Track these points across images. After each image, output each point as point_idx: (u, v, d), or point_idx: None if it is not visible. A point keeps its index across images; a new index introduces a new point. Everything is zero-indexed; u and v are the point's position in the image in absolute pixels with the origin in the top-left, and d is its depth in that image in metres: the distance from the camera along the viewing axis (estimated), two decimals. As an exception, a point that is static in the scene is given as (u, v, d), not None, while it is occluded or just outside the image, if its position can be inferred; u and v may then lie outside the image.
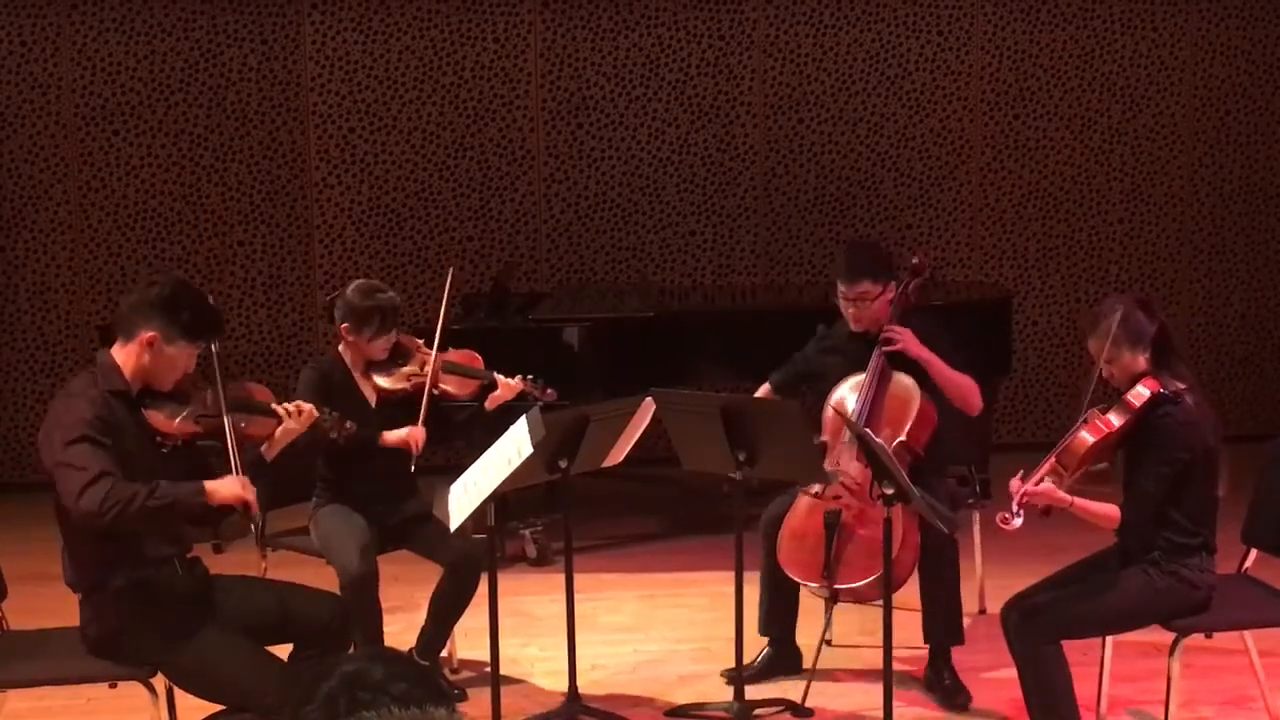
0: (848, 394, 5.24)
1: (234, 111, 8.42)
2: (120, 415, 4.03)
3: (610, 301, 7.76)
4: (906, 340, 5.19)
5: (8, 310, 8.41)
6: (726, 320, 7.35)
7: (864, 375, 5.20)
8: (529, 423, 4.39)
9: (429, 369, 5.25)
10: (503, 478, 4.41)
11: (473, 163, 8.60)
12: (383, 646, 4.96)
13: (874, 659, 4.93)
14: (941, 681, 5.17)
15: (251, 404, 4.30)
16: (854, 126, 8.79)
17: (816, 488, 5.10)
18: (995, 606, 4.85)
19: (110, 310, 8.19)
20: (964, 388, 5.26)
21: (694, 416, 4.82)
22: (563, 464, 4.71)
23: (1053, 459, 4.33)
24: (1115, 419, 4.31)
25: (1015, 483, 4.29)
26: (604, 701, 5.19)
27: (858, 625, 5.72)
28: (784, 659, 5.38)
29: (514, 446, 4.41)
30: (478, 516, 4.54)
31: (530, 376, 5.39)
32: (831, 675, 5.36)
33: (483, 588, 4.85)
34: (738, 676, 4.93)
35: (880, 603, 4.64)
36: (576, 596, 5.03)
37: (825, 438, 5.22)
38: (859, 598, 5.12)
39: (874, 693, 4.82)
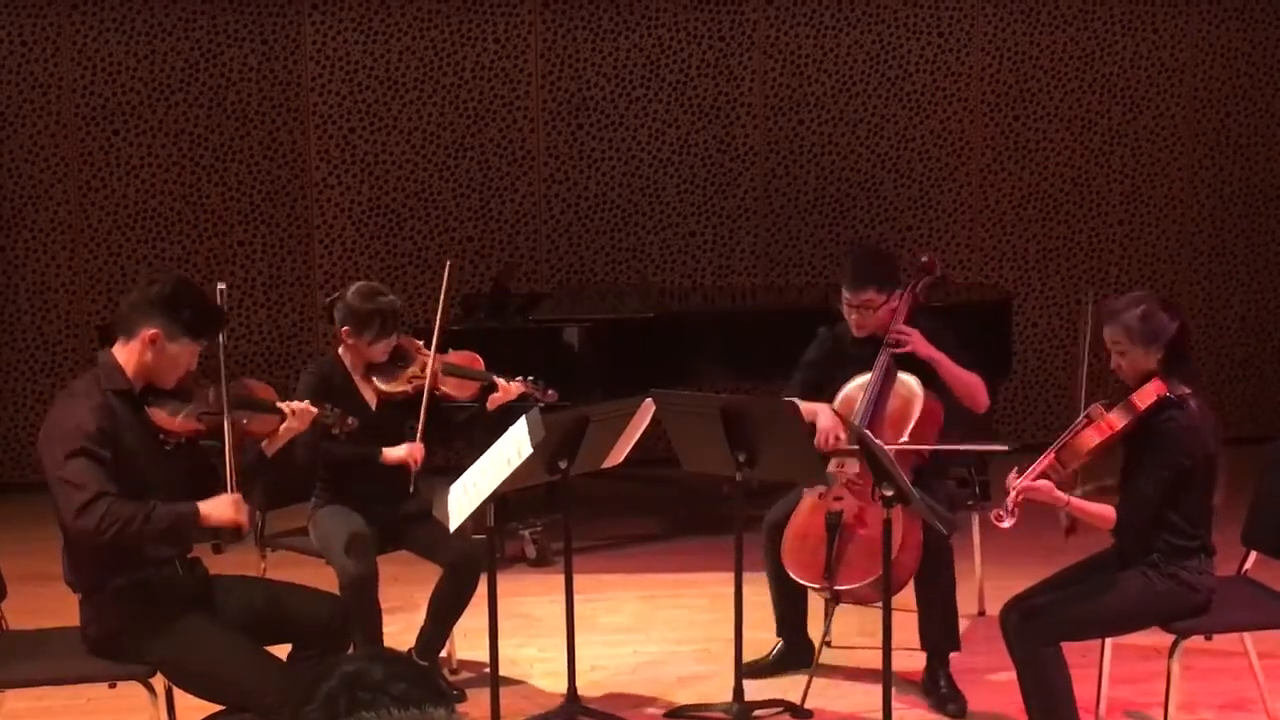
0: (853, 394, 5.24)
1: (234, 111, 8.42)
2: (123, 415, 4.03)
3: (610, 302, 7.76)
4: (915, 341, 5.19)
5: (7, 310, 8.41)
6: (726, 321, 7.35)
7: (869, 376, 5.20)
8: (529, 423, 4.39)
9: (429, 371, 5.25)
10: (502, 478, 4.41)
11: (473, 163, 8.61)
12: (382, 647, 4.96)
13: (873, 660, 4.93)
14: (937, 688, 5.16)
15: (253, 401, 4.31)
16: (854, 128, 8.79)
17: (820, 488, 5.10)
18: (994, 608, 4.85)
19: (110, 310, 8.19)
20: (972, 385, 5.27)
21: (694, 417, 4.82)
22: (562, 464, 4.71)
23: (1052, 455, 4.32)
24: (1118, 420, 4.30)
25: (1012, 478, 4.29)
26: (604, 702, 5.19)
27: (857, 626, 5.72)
28: (796, 653, 5.39)
29: (514, 447, 4.41)
30: (477, 517, 4.55)
31: (531, 378, 5.39)
32: (831, 676, 5.36)
33: (482, 588, 4.85)
34: (738, 676, 4.93)
35: (880, 604, 4.64)
36: (576, 597, 5.03)
37: (820, 443, 5.21)
38: (860, 599, 5.12)
39: (873, 694, 4.82)
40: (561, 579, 5.04)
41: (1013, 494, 4.25)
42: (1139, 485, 4.32)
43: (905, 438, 5.12)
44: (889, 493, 4.41)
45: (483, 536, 4.78)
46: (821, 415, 5.18)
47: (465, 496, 4.56)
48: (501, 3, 8.51)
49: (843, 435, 5.11)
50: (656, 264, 8.76)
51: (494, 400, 5.31)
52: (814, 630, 5.42)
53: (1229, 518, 4.57)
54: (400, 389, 5.25)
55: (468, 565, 5.08)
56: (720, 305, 7.85)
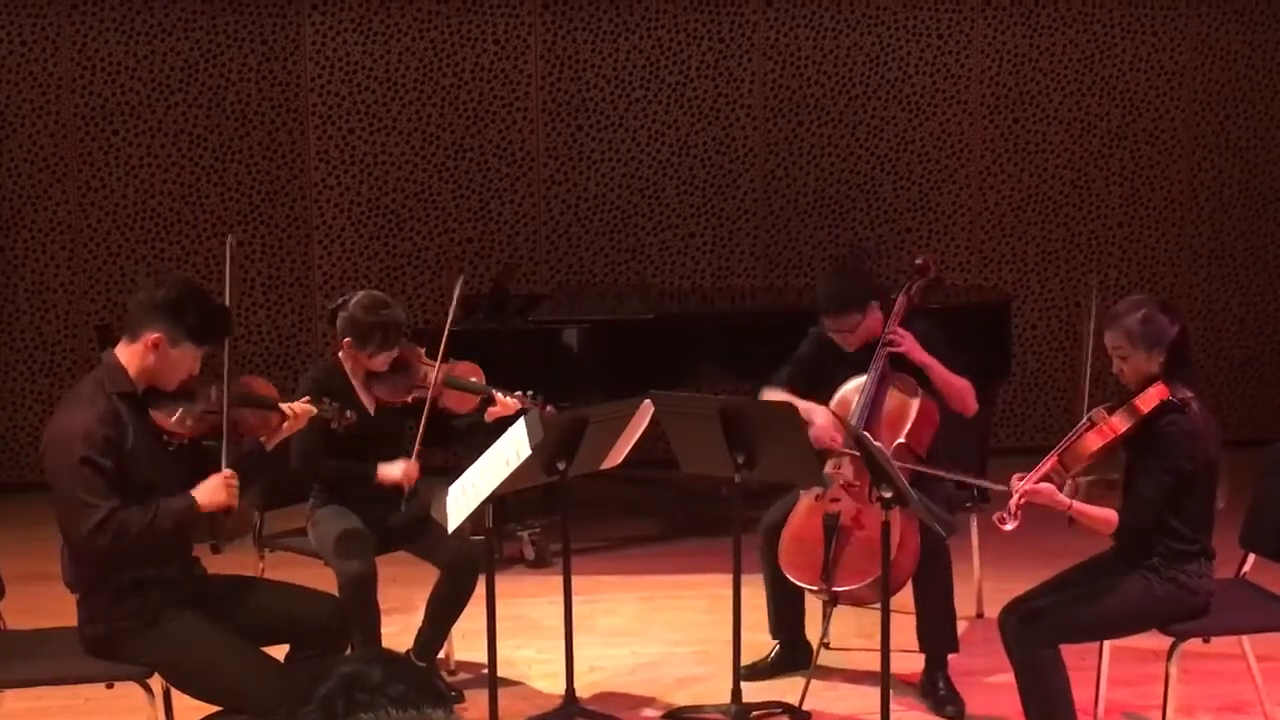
0: (849, 396, 5.25)
1: (234, 112, 8.42)
2: (127, 417, 4.04)
3: (609, 303, 7.76)
4: (908, 344, 5.19)
5: (7, 310, 8.41)
6: (726, 322, 7.34)
7: (865, 377, 5.21)
8: (527, 425, 4.39)
9: (430, 381, 5.23)
10: (501, 479, 4.41)
11: (472, 164, 8.61)
12: (380, 648, 4.96)
13: (871, 662, 4.93)
14: (936, 689, 5.17)
15: (254, 398, 4.34)
16: (854, 130, 8.79)
17: (817, 490, 5.10)
18: (993, 611, 4.85)
19: (109, 310, 8.20)
20: (961, 391, 5.29)
21: (693, 419, 4.82)
22: (561, 466, 4.71)
23: (1055, 459, 4.32)
24: (1120, 423, 4.30)
25: (1015, 480, 4.29)
26: (602, 703, 5.19)
27: (855, 628, 5.72)
28: (794, 656, 5.39)
29: (512, 448, 4.41)
30: (476, 518, 4.55)
31: (530, 393, 5.36)
32: (829, 677, 5.37)
33: (480, 589, 4.85)
34: (737, 677, 4.93)
35: (878, 605, 4.64)
36: (574, 598, 5.02)
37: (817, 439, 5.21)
38: (857, 600, 5.13)
39: (871, 695, 4.82)
40: (560, 580, 5.04)
41: (1015, 497, 4.25)
42: (1140, 489, 4.32)
43: (902, 439, 5.12)
44: (887, 494, 4.41)
45: (481, 537, 4.79)
46: (817, 415, 5.18)
47: (464, 497, 4.56)
48: (501, 4, 8.51)
49: (838, 437, 5.12)
50: (656, 265, 8.76)
51: (493, 414, 5.29)
52: (811, 632, 5.42)
53: (1227, 521, 4.57)
54: (400, 400, 5.24)
55: (466, 566, 5.08)
56: (719, 307, 7.85)
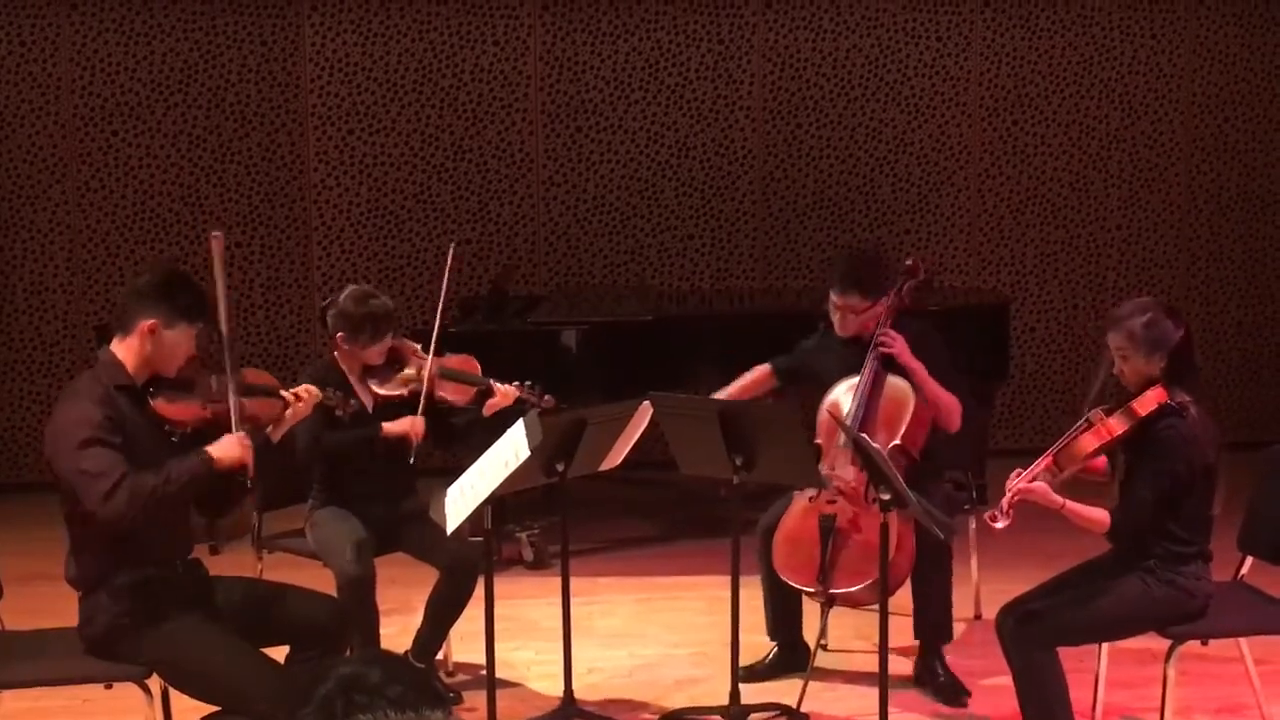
0: (842, 397, 5.25)
1: (233, 113, 8.42)
2: (127, 410, 4.04)
3: (608, 304, 7.76)
4: (899, 347, 5.19)
5: (5, 310, 8.41)
6: (724, 324, 7.34)
7: (858, 378, 5.21)
8: (526, 426, 4.39)
9: (425, 374, 5.25)
10: (500, 480, 4.41)
11: (471, 165, 8.61)
12: (379, 649, 4.97)
13: (869, 663, 4.93)
14: (936, 678, 5.19)
15: (256, 387, 4.34)
16: (852, 132, 8.80)
17: (811, 491, 5.11)
18: (991, 612, 4.85)
19: (108, 311, 8.19)
20: (946, 406, 5.24)
21: (691, 420, 4.82)
22: (560, 467, 4.71)
23: (1049, 458, 4.33)
24: (1117, 425, 4.30)
25: (1011, 479, 4.30)
26: (600, 705, 5.19)
27: (853, 629, 5.72)
28: (792, 657, 5.40)
29: (511, 449, 4.41)
30: (474, 519, 4.55)
31: (528, 383, 5.38)
32: (827, 679, 5.37)
33: (479, 591, 4.85)
34: (735, 679, 4.93)
35: (875, 606, 4.64)
36: (573, 600, 5.02)
37: (819, 441, 5.23)
38: (854, 602, 5.13)
39: (870, 696, 4.83)
40: (558, 582, 5.04)
41: (1008, 495, 4.26)
42: (1136, 491, 4.33)
43: (898, 440, 5.13)
44: (886, 496, 4.42)
45: (480, 539, 4.78)
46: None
47: (463, 499, 4.56)
48: (500, 5, 8.52)
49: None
50: (655, 266, 8.77)
51: (491, 406, 5.31)
52: (810, 633, 5.42)
53: (1225, 523, 4.57)
54: (396, 393, 5.25)
55: (465, 567, 5.08)
56: (718, 308, 7.85)
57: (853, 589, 4.93)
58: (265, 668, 4.08)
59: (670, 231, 8.75)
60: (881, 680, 4.56)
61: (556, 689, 5.14)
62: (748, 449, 4.67)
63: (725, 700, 4.95)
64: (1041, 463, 4.31)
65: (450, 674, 5.46)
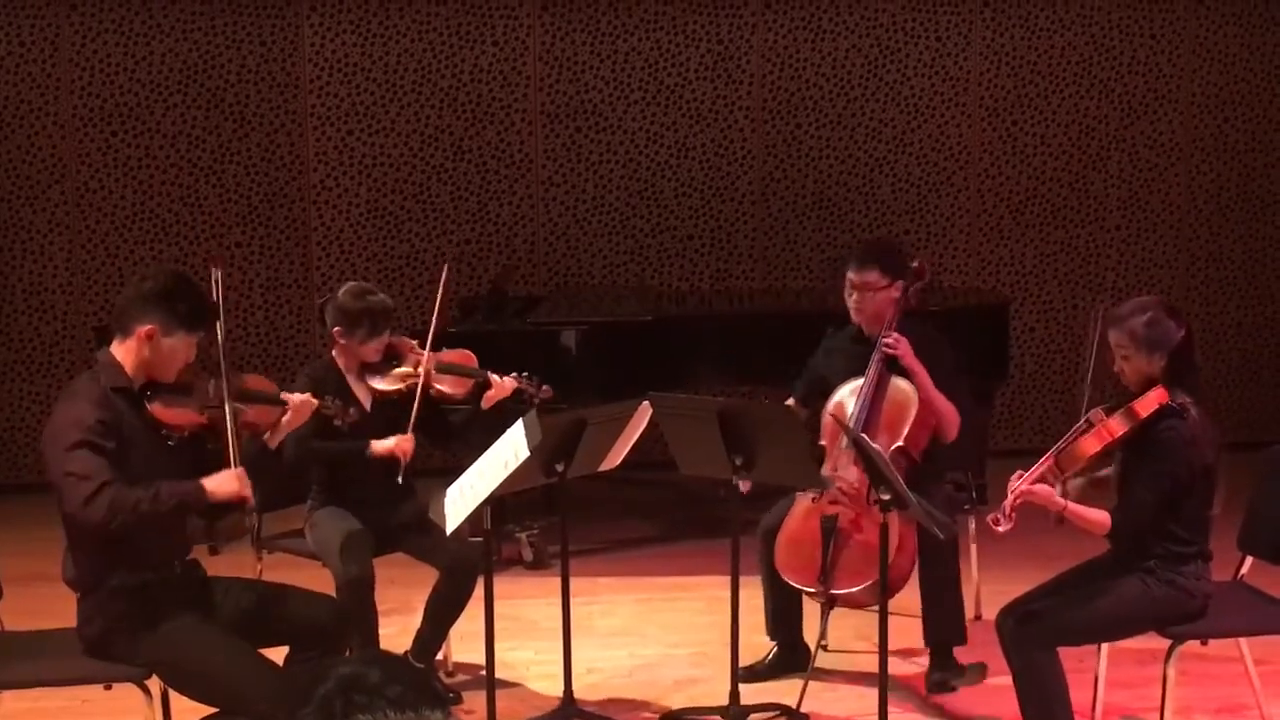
0: (846, 398, 5.25)
1: (232, 113, 8.42)
2: (124, 412, 4.04)
3: (608, 305, 7.76)
4: (904, 349, 5.18)
5: (4, 311, 8.41)
6: (724, 324, 7.34)
7: (862, 380, 5.21)
8: (526, 426, 4.39)
9: (423, 369, 5.25)
10: (499, 481, 4.41)
11: (471, 165, 8.61)
12: (378, 650, 4.97)
13: (870, 664, 4.93)
14: (948, 687, 5.19)
15: (254, 393, 4.33)
16: (852, 132, 8.80)
17: (813, 492, 5.11)
18: (991, 613, 4.85)
19: (108, 312, 8.17)
20: (944, 414, 5.23)
21: (691, 420, 4.82)
22: (559, 467, 4.71)
23: (1051, 460, 4.32)
24: (1118, 426, 4.30)
25: (1013, 481, 4.30)
26: (600, 705, 5.19)
27: (853, 630, 5.72)
28: (792, 657, 5.40)
29: (511, 450, 4.41)
30: (474, 519, 4.54)
31: (525, 374, 5.37)
32: (827, 679, 5.37)
33: (479, 591, 4.85)
34: (735, 679, 4.93)
35: (876, 607, 4.64)
36: (572, 600, 5.02)
37: (823, 443, 5.23)
38: (855, 603, 5.13)
39: (869, 697, 4.83)
40: (558, 582, 5.04)
41: (1010, 498, 4.25)
42: (1135, 492, 4.32)
43: (900, 442, 5.12)
44: (886, 497, 4.42)
45: (479, 539, 4.78)
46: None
47: (462, 499, 4.56)
48: (500, 5, 8.52)
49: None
50: (654, 267, 8.77)
51: (489, 398, 5.30)
52: (809, 633, 5.42)
53: (1226, 523, 4.57)
54: (395, 388, 5.25)
55: (464, 568, 5.08)
56: (718, 308, 7.85)
57: (854, 590, 4.92)
58: (264, 668, 4.08)
59: (670, 232, 8.75)
60: (881, 681, 4.56)
61: (556, 689, 5.14)
62: (747, 449, 4.67)
63: (725, 700, 4.95)
64: (1042, 464, 4.31)
65: (450, 674, 5.46)
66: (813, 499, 5.12)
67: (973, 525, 5.84)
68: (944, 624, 5.22)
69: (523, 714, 5.08)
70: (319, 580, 4.88)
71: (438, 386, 5.31)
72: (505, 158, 8.62)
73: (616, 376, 6.66)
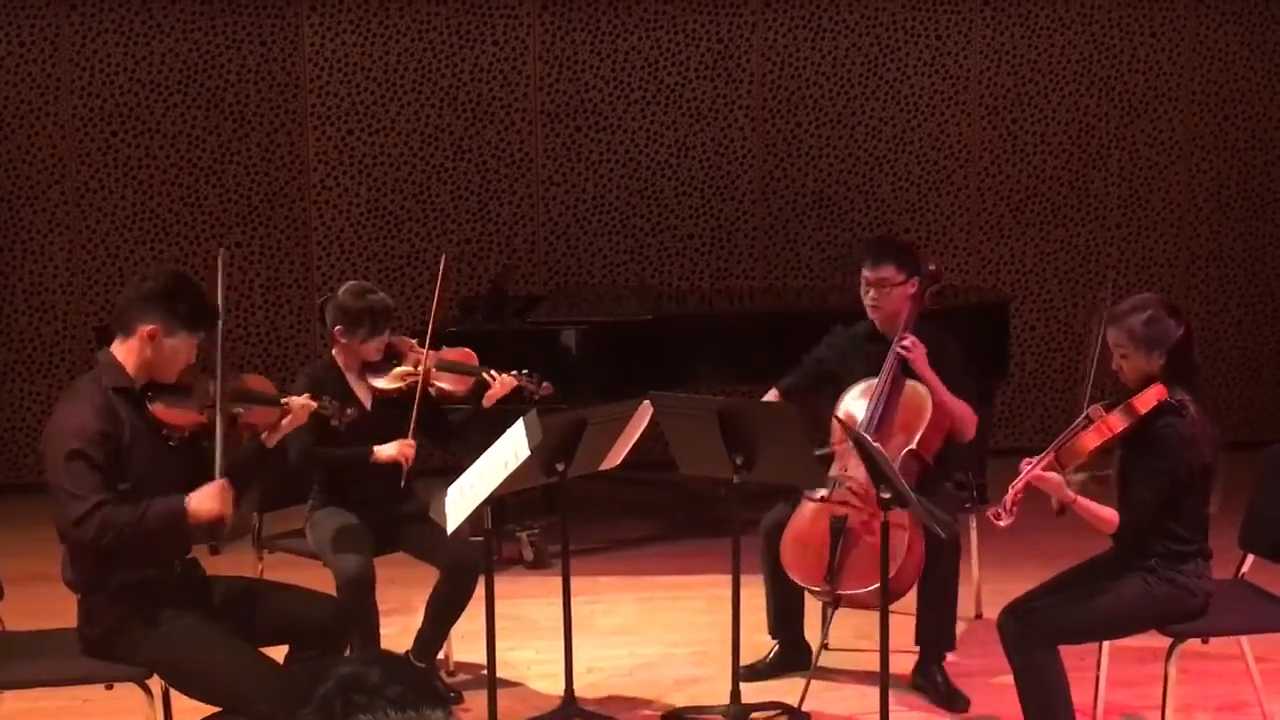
0: (857, 399, 5.25)
1: (232, 113, 8.42)
2: (124, 413, 4.04)
3: (608, 304, 7.76)
4: (918, 354, 5.17)
5: (5, 311, 8.41)
6: (724, 323, 7.34)
7: (876, 380, 5.20)
8: (526, 426, 4.39)
9: (423, 368, 5.25)
10: (500, 480, 4.41)
11: (471, 165, 8.61)
12: (379, 649, 4.96)
13: (871, 663, 4.92)
14: (936, 685, 5.18)
15: (253, 394, 4.33)
16: (852, 131, 8.80)
17: (823, 492, 5.11)
18: (992, 612, 4.85)
19: (108, 311, 8.17)
20: (960, 416, 5.24)
21: (691, 420, 4.82)
22: (560, 467, 4.71)
23: (1051, 455, 4.32)
24: (1118, 422, 4.30)
25: (1020, 474, 4.29)
26: (601, 704, 5.19)
27: (854, 629, 5.71)
28: (794, 656, 5.40)
29: (511, 449, 4.41)
30: (475, 519, 4.54)
31: (525, 371, 5.37)
32: (828, 678, 5.36)
33: (479, 590, 4.85)
34: (736, 678, 4.93)
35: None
36: (573, 599, 5.02)
37: (833, 442, 5.21)
38: (861, 604, 5.11)
39: (870, 696, 4.83)
40: (559, 581, 5.04)
41: (1012, 492, 4.25)
42: (1136, 491, 4.32)
43: (914, 445, 5.12)
44: (886, 495, 4.42)
45: (480, 539, 4.78)
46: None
47: (463, 498, 4.56)
48: (500, 5, 8.52)
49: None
50: (654, 266, 8.76)
51: (490, 396, 5.30)
52: (811, 632, 5.42)
53: (1226, 522, 4.57)
54: (394, 386, 5.25)
55: (465, 567, 5.08)
56: (718, 307, 7.85)
57: (860, 591, 4.91)
58: (265, 667, 4.08)
59: (670, 231, 8.75)
60: (882, 680, 4.56)
61: (557, 688, 5.14)
62: (747, 448, 4.67)
63: (726, 699, 4.95)
64: (1043, 459, 4.31)
65: (451, 674, 5.46)
66: (821, 498, 5.12)
67: (974, 524, 5.83)
68: (937, 628, 5.22)
69: (524, 713, 5.08)
70: (319, 580, 4.88)
71: (438, 384, 5.31)
72: (505, 157, 8.62)
73: (617, 376, 6.66)
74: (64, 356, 8.43)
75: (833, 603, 5.09)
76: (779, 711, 5.06)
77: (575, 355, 6.71)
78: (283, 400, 4.37)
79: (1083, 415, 4.34)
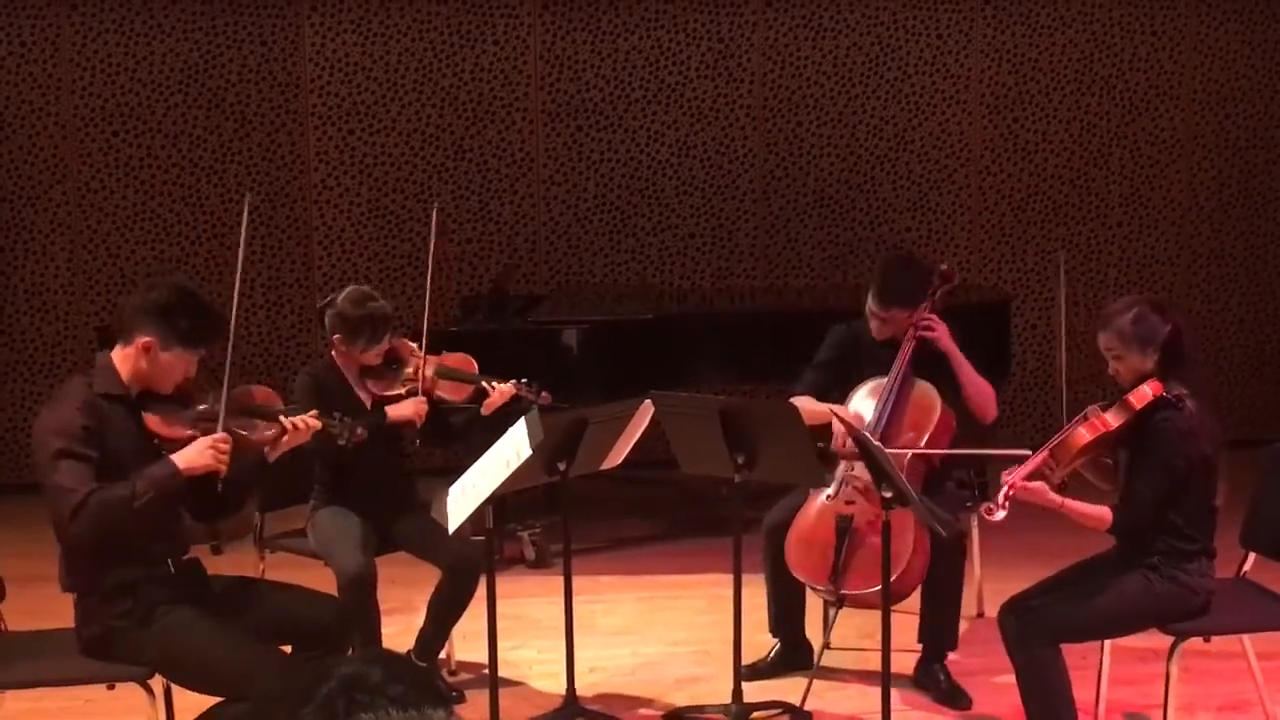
0: (864, 399, 5.25)
1: (233, 113, 8.42)
2: (114, 419, 4.01)
3: (609, 304, 7.76)
4: (941, 331, 5.22)
5: (6, 311, 8.41)
6: (725, 323, 7.34)
7: (883, 380, 5.21)
8: (528, 425, 4.39)
9: (422, 374, 5.27)
10: (501, 480, 4.41)
11: (472, 165, 8.61)
12: (380, 649, 4.96)
13: (873, 662, 4.93)
14: (938, 684, 5.19)
15: (255, 409, 4.26)
16: (853, 130, 8.79)
17: (829, 491, 5.11)
18: (993, 610, 4.84)
19: (109, 312, 8.19)
20: (985, 392, 5.33)
21: (692, 419, 4.82)
22: (561, 466, 4.71)
23: (1046, 453, 4.32)
24: (1114, 419, 4.30)
25: (1006, 475, 4.29)
26: (602, 703, 5.19)
27: (856, 628, 5.71)
28: (795, 655, 5.40)
29: (513, 449, 4.41)
30: (476, 518, 4.55)
31: (524, 380, 5.39)
32: (830, 677, 5.36)
33: (481, 590, 4.85)
34: (737, 677, 4.93)
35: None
36: (575, 599, 5.02)
37: (836, 444, 5.20)
38: (866, 604, 5.11)
39: (872, 695, 4.83)
40: (560, 580, 5.04)
41: (1004, 488, 4.25)
42: (1136, 487, 4.33)
43: (923, 445, 5.12)
44: (887, 494, 4.42)
45: (481, 538, 4.78)
46: (840, 412, 5.17)
47: (464, 498, 4.56)
48: (501, 4, 8.52)
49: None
50: (655, 266, 8.76)
51: (489, 405, 5.31)
52: (812, 631, 5.42)
53: (1228, 520, 4.57)
54: (395, 393, 5.26)
55: (466, 567, 5.08)
56: (719, 307, 7.85)
57: (865, 591, 4.90)
58: (265, 652, 4.06)
59: (670, 230, 8.75)
60: (884, 679, 4.56)
61: (559, 688, 5.14)
62: (749, 448, 4.67)
63: (728, 698, 4.95)
64: (1037, 458, 4.31)
65: (453, 673, 5.46)
66: (828, 497, 5.12)
67: (975, 523, 5.83)
68: (940, 627, 5.23)
69: (525, 713, 5.08)
70: (321, 579, 4.88)
71: (438, 392, 5.33)
72: (506, 157, 8.62)
73: (618, 375, 6.66)
74: (65, 357, 8.43)
75: (837, 602, 5.09)
76: (781, 710, 5.06)
77: (576, 355, 6.71)
78: (287, 420, 4.25)
79: (1081, 413, 4.35)
